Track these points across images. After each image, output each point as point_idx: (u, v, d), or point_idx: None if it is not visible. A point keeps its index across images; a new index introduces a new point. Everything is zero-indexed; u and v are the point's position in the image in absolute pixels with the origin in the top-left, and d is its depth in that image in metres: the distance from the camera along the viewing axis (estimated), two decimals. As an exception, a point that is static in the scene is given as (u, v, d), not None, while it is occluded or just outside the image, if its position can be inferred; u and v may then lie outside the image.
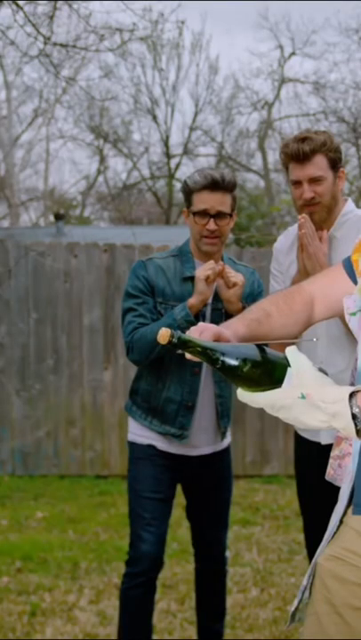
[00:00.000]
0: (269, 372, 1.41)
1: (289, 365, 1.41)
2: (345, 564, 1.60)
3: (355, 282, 1.72)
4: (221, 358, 1.41)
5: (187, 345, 1.44)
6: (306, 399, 1.38)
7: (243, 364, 1.40)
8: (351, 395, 1.38)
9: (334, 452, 1.71)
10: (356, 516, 1.60)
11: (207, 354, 1.43)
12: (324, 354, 2.58)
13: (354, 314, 1.66)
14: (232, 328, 1.58)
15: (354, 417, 1.37)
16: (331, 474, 1.72)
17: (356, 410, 1.37)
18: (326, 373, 1.43)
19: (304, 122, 20.22)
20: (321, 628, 1.60)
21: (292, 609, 1.69)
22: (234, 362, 1.41)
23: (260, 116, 22.15)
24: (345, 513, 1.64)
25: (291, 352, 1.42)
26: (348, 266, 1.75)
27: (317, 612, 1.62)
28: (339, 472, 1.70)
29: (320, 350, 2.59)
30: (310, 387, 1.39)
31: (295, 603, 1.69)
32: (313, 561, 1.68)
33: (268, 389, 1.41)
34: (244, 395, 1.44)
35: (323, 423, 1.39)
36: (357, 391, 1.38)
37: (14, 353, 6.63)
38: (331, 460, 1.72)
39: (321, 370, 1.43)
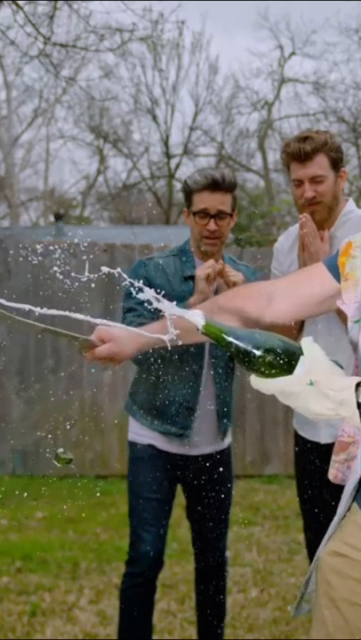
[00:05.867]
0: (282, 360, 1.41)
1: (302, 354, 1.41)
2: (347, 559, 1.62)
3: None
4: (235, 342, 1.41)
5: (201, 329, 1.42)
6: (314, 386, 1.39)
7: (256, 350, 1.40)
8: (358, 385, 1.39)
9: (340, 457, 1.72)
10: None
11: (222, 337, 1.42)
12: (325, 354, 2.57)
13: (358, 321, 1.66)
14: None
15: (359, 406, 1.38)
16: (339, 477, 1.72)
17: None
18: (341, 366, 1.44)
19: (304, 122, 20.29)
20: (321, 620, 1.64)
21: (298, 598, 1.74)
22: (248, 348, 1.40)
23: (260, 116, 22.20)
24: (349, 508, 1.65)
25: (305, 341, 1.43)
26: (334, 268, 1.74)
27: (319, 604, 1.65)
28: (348, 474, 1.70)
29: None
30: (320, 374, 1.40)
31: (299, 594, 1.73)
32: (317, 553, 1.70)
33: (281, 376, 1.41)
34: (256, 381, 1.44)
35: (330, 411, 1.40)
36: None
37: (14, 353, 6.62)
38: (337, 464, 1.72)
39: (336, 362, 1.43)
